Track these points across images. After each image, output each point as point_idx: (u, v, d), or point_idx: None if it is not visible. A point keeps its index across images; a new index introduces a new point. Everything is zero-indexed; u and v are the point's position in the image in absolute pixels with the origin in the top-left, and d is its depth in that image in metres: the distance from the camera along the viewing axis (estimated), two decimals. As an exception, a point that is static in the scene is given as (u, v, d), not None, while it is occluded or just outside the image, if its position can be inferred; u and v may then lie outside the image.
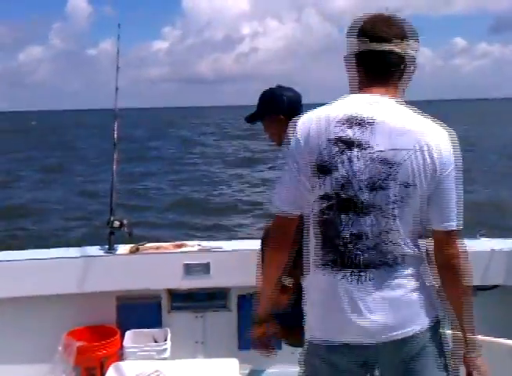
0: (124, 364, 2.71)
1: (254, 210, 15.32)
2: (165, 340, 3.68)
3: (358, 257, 1.93)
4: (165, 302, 3.94)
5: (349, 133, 1.92)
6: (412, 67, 2.05)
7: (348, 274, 1.93)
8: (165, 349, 3.58)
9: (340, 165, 1.91)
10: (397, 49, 1.98)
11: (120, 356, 3.57)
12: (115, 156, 4.13)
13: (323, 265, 1.98)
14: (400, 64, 2.02)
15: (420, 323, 1.97)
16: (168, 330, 3.76)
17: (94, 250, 3.96)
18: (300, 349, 2.17)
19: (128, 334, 3.75)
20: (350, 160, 1.90)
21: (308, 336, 2.09)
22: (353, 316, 1.93)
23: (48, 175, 23.10)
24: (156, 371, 2.53)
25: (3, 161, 28.63)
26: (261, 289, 2.26)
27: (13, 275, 3.78)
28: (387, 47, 1.98)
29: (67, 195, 18.64)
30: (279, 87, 3.17)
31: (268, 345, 2.40)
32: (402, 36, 2.00)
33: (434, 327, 2.02)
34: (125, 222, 3.91)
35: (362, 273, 1.93)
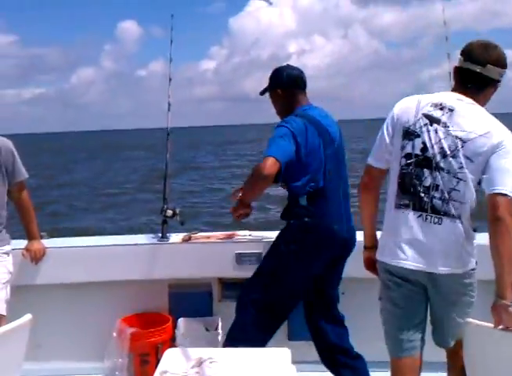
0: (178, 351, 2.73)
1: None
2: (216, 328, 3.72)
3: (430, 203, 2.59)
4: (216, 291, 3.97)
5: (433, 113, 2.62)
6: (492, 89, 2.71)
7: (423, 215, 2.60)
8: (217, 338, 3.62)
9: (423, 134, 2.61)
10: (482, 72, 2.61)
11: (173, 344, 3.62)
12: (168, 145, 4.19)
13: (401, 205, 2.65)
14: (482, 83, 2.66)
15: (461, 266, 2.63)
16: (219, 319, 3.80)
17: (147, 238, 4.02)
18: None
19: (180, 321, 3.80)
20: (429, 132, 2.60)
21: (380, 258, 2.82)
22: (421, 247, 2.61)
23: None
24: (210, 358, 2.54)
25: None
26: (363, 224, 2.98)
27: (69, 261, 3.87)
28: (476, 68, 2.62)
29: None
30: (284, 65, 3.57)
31: (375, 267, 2.94)
32: (492, 62, 2.62)
33: (470, 275, 2.67)
34: (178, 211, 3.96)
35: (432, 216, 2.59)
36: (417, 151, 2.61)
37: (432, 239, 2.60)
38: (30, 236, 3.81)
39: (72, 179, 30.18)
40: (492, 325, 2.44)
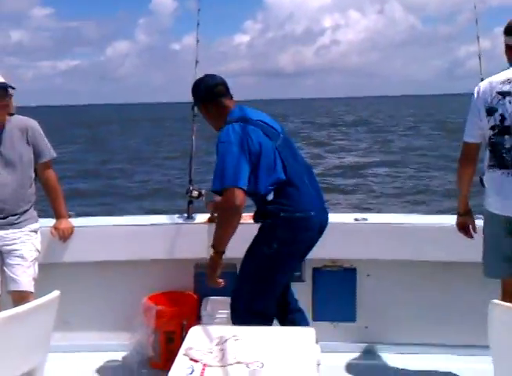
0: (203, 328, 2.75)
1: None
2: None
3: (510, 161, 3.12)
4: None
5: (503, 88, 3.16)
6: None
7: (505, 172, 3.14)
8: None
9: (499, 107, 3.16)
10: None
11: (198, 322, 3.64)
12: (194, 128, 4.20)
13: (491, 166, 3.22)
14: None
15: None
16: None
17: (173, 218, 4.05)
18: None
19: (205, 301, 3.84)
20: (504, 104, 3.14)
21: (489, 209, 3.27)
22: (506, 197, 3.14)
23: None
24: (235, 336, 2.57)
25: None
26: (460, 192, 3.47)
27: (96, 240, 3.93)
28: None
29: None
30: (200, 78, 3.54)
31: (467, 231, 3.47)
32: None
33: None
34: (203, 191, 3.97)
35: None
36: (498, 123, 3.15)
37: None
38: (57, 215, 3.86)
39: (107, 149, 32.26)
40: None
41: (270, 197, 3.19)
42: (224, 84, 3.44)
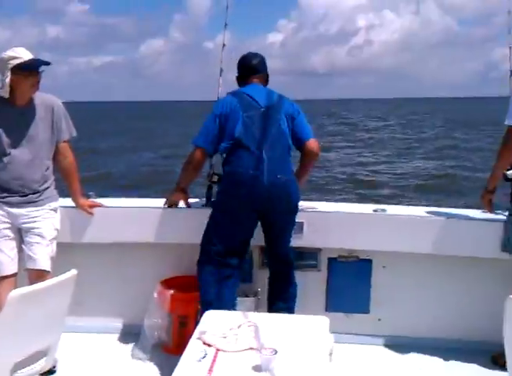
0: (217, 313, 2.77)
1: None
2: (255, 295, 3.75)
3: None
4: (257, 258, 3.99)
5: None
6: None
7: None
8: (255, 303, 3.65)
9: None
10: None
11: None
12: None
13: None
14: None
15: None
16: (258, 286, 3.82)
17: (192, 203, 4.04)
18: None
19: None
20: None
21: None
22: None
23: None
24: (249, 322, 2.57)
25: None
26: (495, 171, 3.61)
27: (114, 222, 3.93)
28: None
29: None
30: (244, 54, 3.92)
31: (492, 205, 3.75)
32: None
33: None
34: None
35: None
36: None
37: None
38: (79, 194, 3.85)
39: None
40: None
41: (225, 155, 3.63)
42: (252, 63, 3.82)
